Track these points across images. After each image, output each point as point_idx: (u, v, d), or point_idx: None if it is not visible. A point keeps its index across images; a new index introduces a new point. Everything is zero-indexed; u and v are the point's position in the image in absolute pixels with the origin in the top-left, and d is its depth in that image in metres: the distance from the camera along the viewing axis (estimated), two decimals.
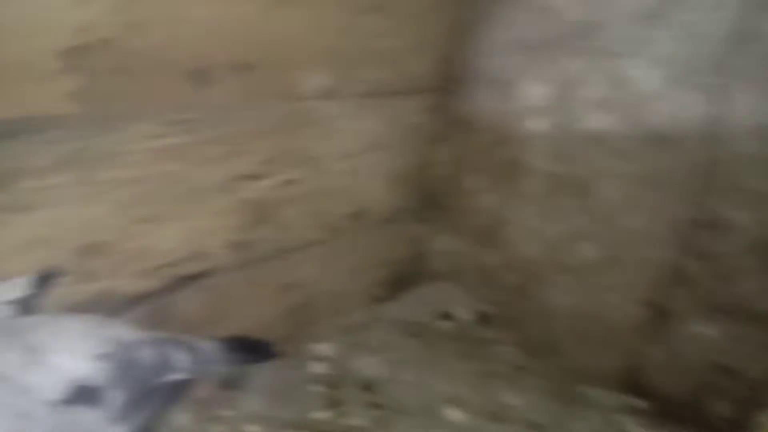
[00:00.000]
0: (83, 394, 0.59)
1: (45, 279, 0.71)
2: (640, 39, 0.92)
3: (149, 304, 0.87)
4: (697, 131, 0.88)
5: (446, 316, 1.21)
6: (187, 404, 0.83)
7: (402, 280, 1.30)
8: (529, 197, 1.11)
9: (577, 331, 1.07)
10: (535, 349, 1.12)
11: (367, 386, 0.97)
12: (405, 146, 1.20)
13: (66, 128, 0.71)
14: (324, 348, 1.05)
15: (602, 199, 1.00)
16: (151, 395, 0.72)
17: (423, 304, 1.23)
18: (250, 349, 0.89)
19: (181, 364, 0.74)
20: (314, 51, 0.95)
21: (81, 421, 0.60)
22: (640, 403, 0.98)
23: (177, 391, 0.76)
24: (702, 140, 0.88)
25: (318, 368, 1.00)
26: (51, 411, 0.57)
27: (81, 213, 0.76)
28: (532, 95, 1.07)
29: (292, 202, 1.01)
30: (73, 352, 0.60)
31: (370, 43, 1.04)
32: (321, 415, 0.89)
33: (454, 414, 0.93)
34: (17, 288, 0.69)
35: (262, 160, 0.94)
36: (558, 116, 1.04)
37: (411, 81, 1.15)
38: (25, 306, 0.68)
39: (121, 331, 0.72)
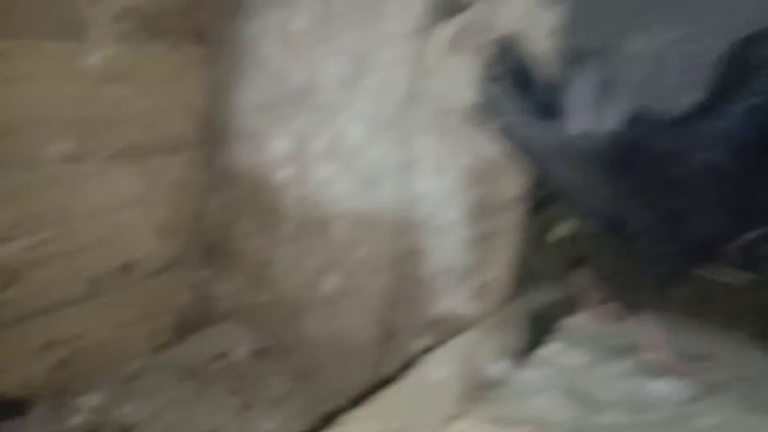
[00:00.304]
0: None
1: None
2: (347, 99, 1.07)
3: None
4: (395, 175, 1.04)
5: (223, 355, 1.30)
6: None
7: (186, 325, 1.38)
8: (287, 238, 1.24)
9: (331, 356, 1.20)
10: (301, 376, 1.23)
11: (127, 431, 1.03)
12: (172, 199, 1.28)
13: None
14: (90, 399, 1.10)
15: (338, 236, 1.15)
16: None
17: (202, 347, 1.31)
18: None
19: None
20: (54, 120, 1.03)
21: None
22: None
23: None
24: (400, 182, 1.04)
25: (80, 419, 1.05)
26: None
27: None
28: (277, 149, 1.21)
29: (45, 262, 1.07)
30: None
31: (119, 108, 1.13)
32: None
33: None
34: None
35: (4, 226, 1.00)
36: (298, 166, 1.18)
37: (169, 139, 1.24)
38: None
39: None
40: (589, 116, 0.85)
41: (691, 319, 1.14)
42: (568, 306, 1.11)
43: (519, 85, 0.87)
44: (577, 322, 1.10)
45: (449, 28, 0.93)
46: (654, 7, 1.18)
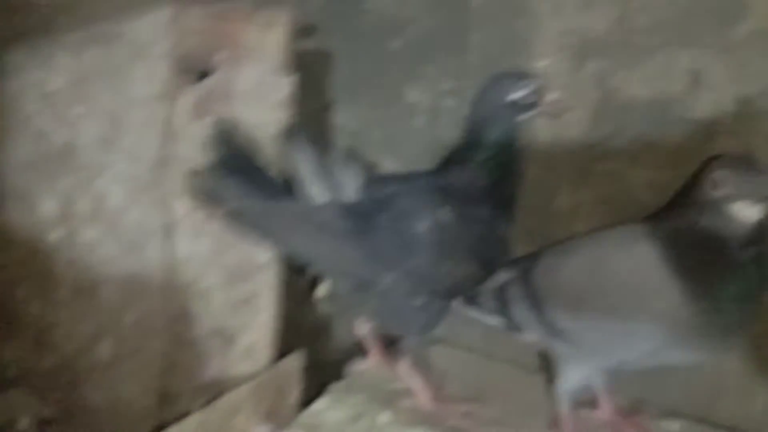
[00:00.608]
0: None
1: None
2: (106, 160, 1.04)
3: None
4: (158, 238, 1.02)
5: (7, 425, 1.22)
6: None
7: None
8: (62, 302, 1.18)
9: (113, 424, 1.15)
10: None
11: None
12: None
13: None
14: None
15: (109, 300, 1.11)
16: None
17: None
18: None
19: None
20: None
21: None
22: None
23: None
24: (163, 245, 1.02)
25: None
26: None
27: None
28: (46, 209, 1.15)
29: None
30: None
31: None
32: None
33: None
34: None
35: None
36: (67, 228, 1.13)
37: None
38: None
39: None
40: (322, 187, 0.87)
41: (472, 359, 1.18)
42: (350, 355, 1.13)
43: (242, 169, 0.86)
44: (360, 369, 1.12)
45: (192, 94, 0.92)
46: (428, 59, 1.23)
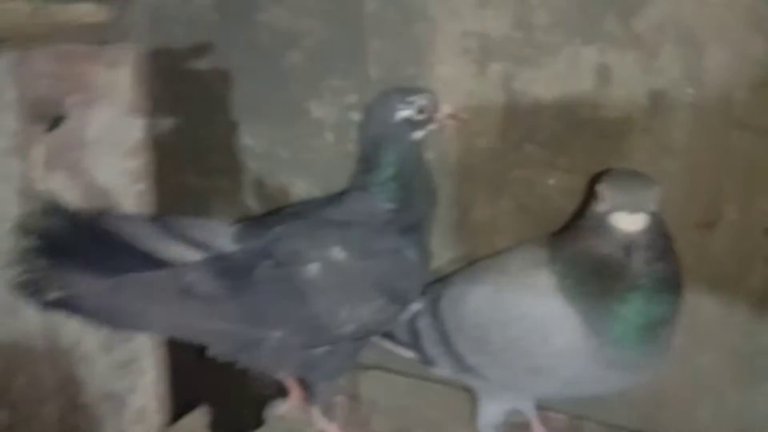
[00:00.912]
0: None
1: None
2: None
3: None
4: None
5: None
6: None
7: None
8: None
9: None
10: None
11: None
12: None
13: None
14: None
15: None
16: None
17: None
18: None
19: None
20: None
21: None
22: None
23: None
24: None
25: None
26: None
27: None
28: None
29: None
30: None
31: None
32: None
33: None
34: None
35: None
36: None
37: None
38: None
39: None
40: (182, 247, 0.78)
41: (405, 383, 1.12)
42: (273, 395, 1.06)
43: (75, 247, 0.75)
44: (280, 412, 1.06)
45: (45, 145, 0.83)
46: (329, 72, 1.15)
